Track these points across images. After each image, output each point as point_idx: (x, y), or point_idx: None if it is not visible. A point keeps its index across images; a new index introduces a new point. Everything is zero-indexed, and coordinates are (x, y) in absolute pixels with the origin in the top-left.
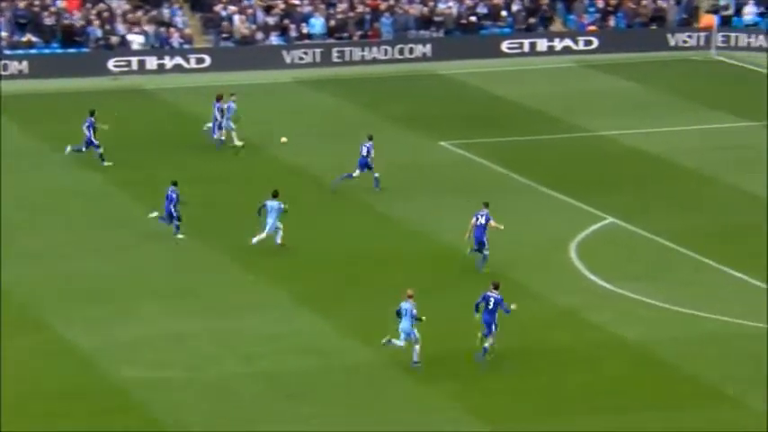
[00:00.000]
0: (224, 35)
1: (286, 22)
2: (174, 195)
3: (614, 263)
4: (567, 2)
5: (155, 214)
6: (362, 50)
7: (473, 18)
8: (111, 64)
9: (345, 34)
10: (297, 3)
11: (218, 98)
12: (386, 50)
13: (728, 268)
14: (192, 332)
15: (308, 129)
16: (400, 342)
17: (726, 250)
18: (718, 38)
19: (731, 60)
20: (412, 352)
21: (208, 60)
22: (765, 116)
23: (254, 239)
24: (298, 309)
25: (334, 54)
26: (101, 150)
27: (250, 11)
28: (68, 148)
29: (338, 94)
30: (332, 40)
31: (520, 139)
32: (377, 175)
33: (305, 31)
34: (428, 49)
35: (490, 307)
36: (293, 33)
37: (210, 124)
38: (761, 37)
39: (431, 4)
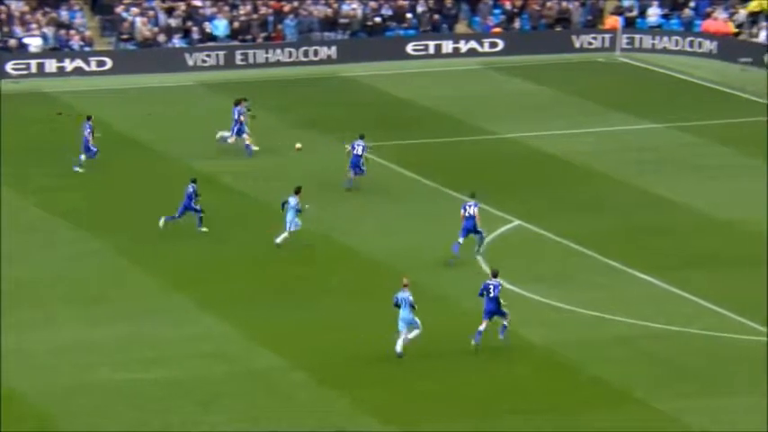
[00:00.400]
0: (124, 36)
1: (188, 24)
2: (191, 190)
3: (521, 265)
4: (472, 3)
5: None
6: (266, 53)
7: (378, 20)
8: (9, 67)
9: (249, 36)
10: (199, 4)
11: (237, 103)
12: (290, 53)
13: (634, 270)
14: (95, 338)
15: (210, 132)
16: (407, 332)
17: (631, 252)
18: (623, 39)
19: (635, 62)
20: (400, 340)
21: (109, 63)
22: (669, 118)
23: (278, 239)
24: (203, 313)
25: (238, 56)
26: (95, 150)
27: (152, 13)
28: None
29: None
30: (235, 43)
31: (425, 142)
32: (363, 169)
33: (208, 31)
34: (333, 51)
35: (491, 295)
36: (196, 35)
37: (222, 133)
38: (665, 38)
39: (335, 5)
